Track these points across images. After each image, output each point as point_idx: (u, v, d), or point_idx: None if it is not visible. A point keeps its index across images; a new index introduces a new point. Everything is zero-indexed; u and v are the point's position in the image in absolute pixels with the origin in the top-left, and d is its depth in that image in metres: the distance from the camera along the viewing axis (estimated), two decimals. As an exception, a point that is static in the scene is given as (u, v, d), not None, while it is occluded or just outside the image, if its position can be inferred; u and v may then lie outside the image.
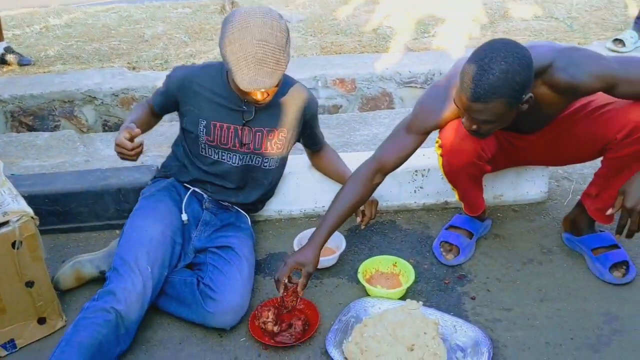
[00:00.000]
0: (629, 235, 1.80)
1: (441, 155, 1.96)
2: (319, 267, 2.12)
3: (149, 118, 2.17)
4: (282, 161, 2.20)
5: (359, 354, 1.72)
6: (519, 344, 1.81)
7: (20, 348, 1.88)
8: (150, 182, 2.24)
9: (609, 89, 1.79)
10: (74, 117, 3.71)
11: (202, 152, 2.08)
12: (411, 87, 3.72)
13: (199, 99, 2.04)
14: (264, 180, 2.18)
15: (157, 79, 3.79)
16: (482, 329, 1.82)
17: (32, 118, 3.68)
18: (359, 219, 2.15)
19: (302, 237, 2.23)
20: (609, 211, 1.80)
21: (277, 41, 1.79)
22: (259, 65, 1.78)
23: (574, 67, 1.75)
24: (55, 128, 3.70)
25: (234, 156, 2.09)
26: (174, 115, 2.16)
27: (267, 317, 1.87)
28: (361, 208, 2.15)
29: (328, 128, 3.03)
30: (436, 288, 2.05)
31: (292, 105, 2.11)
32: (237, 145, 2.07)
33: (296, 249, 2.17)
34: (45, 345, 1.89)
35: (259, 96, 1.88)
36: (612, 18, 4.66)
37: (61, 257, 2.25)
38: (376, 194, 2.12)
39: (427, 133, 1.94)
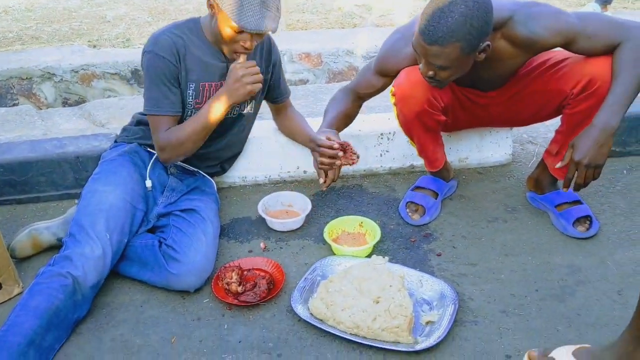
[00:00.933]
0: (576, 188, 1.82)
1: (394, 104, 1.97)
2: (283, 229, 2.10)
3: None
4: (257, 108, 2.18)
5: (324, 309, 1.69)
6: (485, 296, 1.81)
7: (-26, 316, 1.81)
8: (110, 146, 2.16)
9: (568, 45, 1.79)
10: (33, 95, 3.61)
11: (185, 116, 1.99)
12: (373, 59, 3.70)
13: (187, 62, 1.92)
14: (240, 131, 2.16)
15: (118, 55, 3.71)
16: (447, 282, 1.81)
17: (-10, 97, 3.57)
18: (321, 180, 2.13)
19: (266, 202, 2.20)
20: (559, 164, 1.81)
21: None
22: (264, 8, 1.76)
23: (533, 21, 1.75)
24: (14, 107, 3.58)
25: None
26: (138, 87, 2.07)
27: (231, 278, 1.83)
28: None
29: (295, 99, 2.95)
30: (402, 246, 2.04)
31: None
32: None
33: (260, 213, 2.14)
34: (1, 311, 1.82)
35: (249, 43, 1.83)
36: (575, -6, 4.73)
37: (18, 227, 2.17)
38: None
39: (390, 76, 1.97)
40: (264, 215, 2.12)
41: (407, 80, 1.89)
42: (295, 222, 2.12)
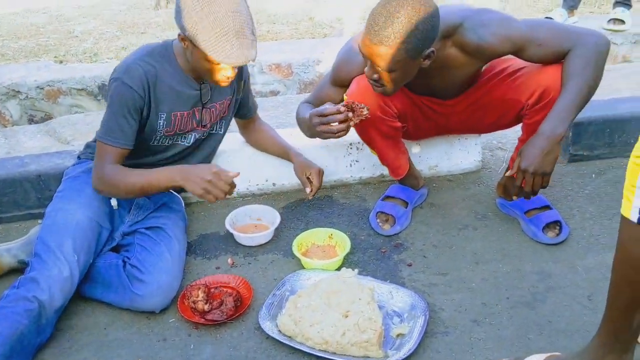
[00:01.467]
0: (526, 196, 1.82)
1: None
2: (252, 244, 2.07)
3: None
4: (227, 124, 2.15)
5: (292, 325, 1.66)
6: (456, 306, 1.79)
7: None
8: (75, 162, 2.09)
9: (518, 52, 1.80)
10: (-3, 113, 3.53)
11: (153, 143, 1.94)
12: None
13: (158, 92, 1.85)
14: (208, 147, 2.12)
15: (84, 70, 3.64)
16: (418, 293, 1.79)
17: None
18: (308, 189, 2.09)
19: (234, 216, 2.16)
20: (508, 172, 1.80)
21: (247, 10, 1.72)
22: (239, 37, 1.68)
23: (482, 28, 1.76)
24: (-22, 125, 3.50)
25: (190, 136, 2.00)
26: (105, 103, 2.01)
27: (197, 296, 1.78)
28: (309, 177, 2.10)
29: (264, 110, 2.95)
30: (373, 257, 2.02)
31: None
32: (195, 125, 1.98)
33: (228, 227, 2.10)
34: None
35: (232, 73, 1.78)
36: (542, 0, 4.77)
37: (-22, 250, 2.11)
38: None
39: (345, 86, 1.95)
40: (231, 230, 2.08)
41: (358, 88, 1.89)
42: (263, 236, 2.08)
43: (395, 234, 2.12)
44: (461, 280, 1.89)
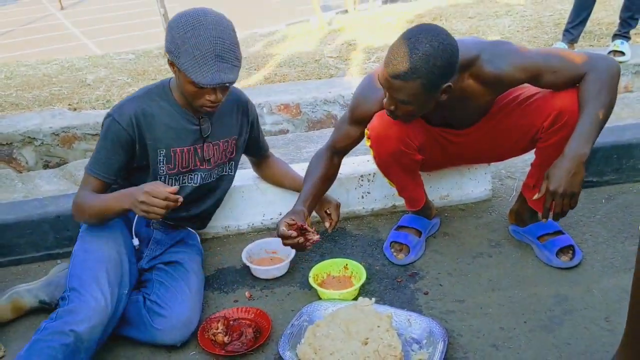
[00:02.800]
0: (555, 217, 1.84)
1: (371, 146, 1.98)
2: (268, 277, 2.09)
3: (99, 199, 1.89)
4: (237, 165, 2.17)
5: (312, 354, 1.67)
6: (474, 331, 1.79)
7: (-46, 383, 1.76)
8: None
9: (534, 80, 1.85)
10: (13, 160, 3.60)
11: (159, 179, 1.96)
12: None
13: (154, 128, 1.89)
14: (220, 190, 2.15)
15: (98, 116, 3.73)
16: (435, 320, 1.80)
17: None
18: (327, 224, 2.13)
19: (250, 250, 2.19)
20: (535, 196, 1.83)
21: (232, 38, 1.76)
22: (219, 60, 1.72)
23: (498, 59, 1.81)
24: (-6, 172, 3.57)
25: (196, 176, 2.02)
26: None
27: (217, 329, 1.80)
28: (328, 212, 2.14)
29: (275, 148, 3.02)
30: (389, 287, 2.03)
31: (237, 110, 2.07)
32: (199, 163, 2.00)
33: (244, 261, 2.13)
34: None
35: (214, 97, 1.79)
36: (543, 35, 4.87)
37: (-1, 291, 2.14)
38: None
39: (365, 123, 1.97)
40: (248, 264, 2.11)
41: (381, 122, 1.92)
42: (279, 268, 2.10)
43: (410, 263, 2.14)
44: (478, 306, 1.90)
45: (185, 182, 2.01)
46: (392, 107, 1.79)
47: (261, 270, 2.10)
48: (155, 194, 1.70)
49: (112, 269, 1.81)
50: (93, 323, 1.66)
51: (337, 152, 2.11)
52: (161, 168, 1.94)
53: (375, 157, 2.02)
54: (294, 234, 1.89)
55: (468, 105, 1.93)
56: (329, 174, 2.11)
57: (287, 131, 3.77)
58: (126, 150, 1.87)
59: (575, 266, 2.03)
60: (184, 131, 1.94)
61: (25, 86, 5.19)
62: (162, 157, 1.93)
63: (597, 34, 4.69)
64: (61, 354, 1.60)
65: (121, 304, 1.80)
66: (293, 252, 2.14)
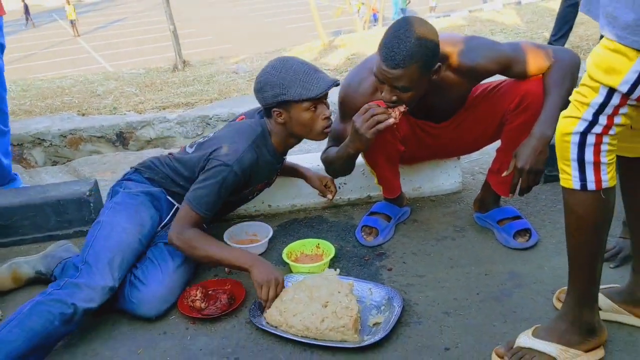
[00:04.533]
0: (521, 192, 2.01)
1: None
2: None
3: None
4: None
5: (278, 316, 1.84)
6: (429, 301, 1.95)
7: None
8: (129, 173, 2.26)
9: (505, 71, 2.04)
10: (24, 159, 3.84)
11: (228, 199, 2.13)
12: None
13: (256, 173, 2.12)
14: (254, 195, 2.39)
15: (104, 120, 3.97)
16: (394, 289, 1.96)
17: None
18: (329, 195, 2.41)
19: (232, 231, 2.37)
20: (504, 173, 2.00)
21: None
22: (318, 72, 2.04)
23: (472, 52, 2.01)
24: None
25: (256, 193, 2.34)
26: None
27: (195, 295, 1.97)
28: (327, 185, 2.42)
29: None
30: (356, 264, 2.20)
31: None
32: (264, 187, 2.32)
33: (226, 240, 2.30)
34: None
35: (327, 111, 2.07)
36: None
37: (1, 266, 2.33)
38: (304, 192, 2.50)
39: None
40: (229, 243, 2.29)
41: None
42: (257, 247, 2.28)
43: (378, 245, 2.30)
44: (436, 280, 2.06)
45: (246, 198, 2.33)
46: (394, 98, 1.94)
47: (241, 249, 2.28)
48: (279, 289, 1.91)
49: (127, 256, 1.97)
50: (94, 304, 1.83)
51: None
52: (240, 196, 2.23)
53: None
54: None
55: (447, 96, 2.12)
56: None
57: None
58: (229, 192, 2.06)
59: (531, 247, 2.19)
60: (271, 169, 2.24)
61: (39, 97, 5.49)
62: (247, 191, 2.22)
63: (584, 48, 4.87)
64: (58, 321, 1.75)
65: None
66: (271, 232, 2.33)
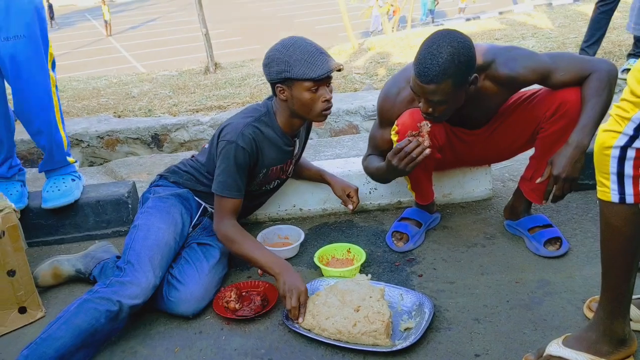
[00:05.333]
0: (554, 200, 2.02)
1: (398, 141, 2.14)
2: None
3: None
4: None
5: (310, 319, 1.88)
6: (459, 308, 1.98)
7: (1, 335, 2.03)
8: (156, 181, 2.37)
9: (544, 81, 2.06)
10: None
11: (248, 189, 2.21)
12: (375, 119, 3.99)
13: (264, 152, 2.16)
14: (279, 188, 2.45)
15: (139, 122, 4.07)
16: (425, 295, 1.99)
17: (23, 162, 3.91)
18: (350, 206, 2.43)
19: (265, 234, 2.43)
20: (539, 180, 2.01)
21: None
22: (324, 54, 2.05)
23: (512, 62, 2.03)
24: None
25: (274, 182, 2.34)
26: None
27: (230, 297, 2.03)
28: (350, 195, 2.44)
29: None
30: (387, 269, 2.23)
31: (305, 126, 2.40)
32: (280, 175, 2.33)
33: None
34: (25, 333, 2.04)
35: (328, 95, 2.09)
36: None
37: (44, 264, 2.42)
38: (334, 197, 2.51)
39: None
40: None
41: (411, 119, 2.10)
42: (289, 250, 2.33)
43: (408, 251, 2.34)
44: (466, 287, 2.08)
45: (265, 188, 2.34)
46: (430, 110, 1.99)
47: (274, 252, 2.33)
48: (302, 300, 1.93)
49: (166, 253, 2.05)
50: (139, 301, 1.90)
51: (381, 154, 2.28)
52: (256, 182, 2.25)
53: None
54: (409, 138, 2.00)
55: (483, 104, 2.14)
56: None
57: (312, 139, 4.02)
58: (247, 171, 2.14)
59: (562, 256, 2.20)
60: (282, 153, 2.24)
61: (76, 97, 5.63)
62: (262, 175, 2.24)
63: (616, 54, 4.82)
64: (104, 318, 1.83)
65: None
66: (302, 236, 2.38)
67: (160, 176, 2.37)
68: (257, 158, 2.16)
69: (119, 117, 4.47)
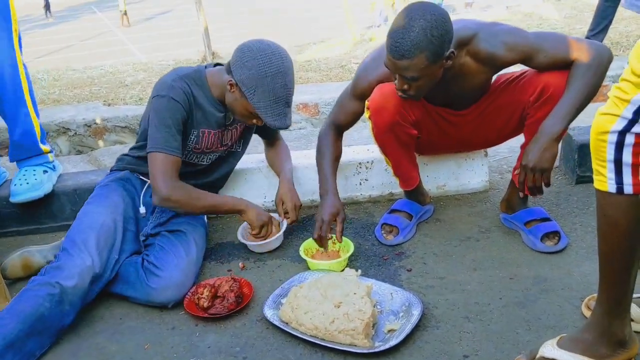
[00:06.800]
0: (532, 192, 1.90)
1: (369, 117, 2.08)
2: (261, 250, 2.21)
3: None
4: (246, 144, 2.36)
5: (289, 312, 1.76)
6: (449, 305, 1.85)
7: (-36, 328, 1.92)
8: (106, 175, 2.31)
9: (527, 60, 1.93)
10: (48, 148, 3.84)
11: (183, 159, 2.12)
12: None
13: (193, 110, 2.07)
14: (228, 164, 2.34)
15: (129, 111, 3.96)
16: (415, 294, 1.87)
17: (7, 150, 3.81)
18: (282, 220, 2.29)
19: (246, 226, 2.31)
20: (515, 171, 1.89)
21: (293, 83, 2.03)
22: (287, 106, 2.01)
23: (494, 38, 1.91)
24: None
25: (214, 155, 2.22)
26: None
27: (202, 294, 1.90)
28: (285, 207, 2.29)
29: (287, 141, 3.15)
30: (374, 263, 2.11)
31: None
32: (218, 146, 2.20)
33: (240, 238, 2.25)
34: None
35: (259, 122, 2.06)
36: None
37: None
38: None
39: (365, 98, 2.09)
40: (243, 241, 2.22)
41: (380, 93, 2.02)
42: (274, 240, 2.21)
43: (398, 244, 2.21)
44: (457, 283, 1.96)
45: (203, 160, 2.20)
46: (405, 87, 1.88)
47: (255, 246, 2.21)
48: (274, 222, 2.18)
49: (103, 235, 1.96)
50: (77, 280, 1.82)
51: (339, 129, 2.24)
52: (189, 146, 2.13)
53: (373, 129, 2.11)
54: (325, 245, 2.13)
55: (465, 83, 2.02)
56: (338, 155, 2.26)
57: (305, 129, 3.90)
58: (183, 127, 2.04)
59: (560, 251, 2.07)
60: (213, 116, 2.13)
61: (69, 86, 5.52)
62: (193, 137, 2.12)
63: (624, 45, 4.68)
64: (47, 302, 1.75)
65: (109, 267, 1.95)
66: (285, 225, 2.26)
67: (110, 170, 2.32)
68: (189, 115, 2.06)
69: (109, 105, 4.36)
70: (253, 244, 2.22)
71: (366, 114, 2.10)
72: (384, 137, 2.13)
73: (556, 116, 1.81)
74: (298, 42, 7.66)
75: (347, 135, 2.32)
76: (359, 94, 2.14)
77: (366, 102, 2.07)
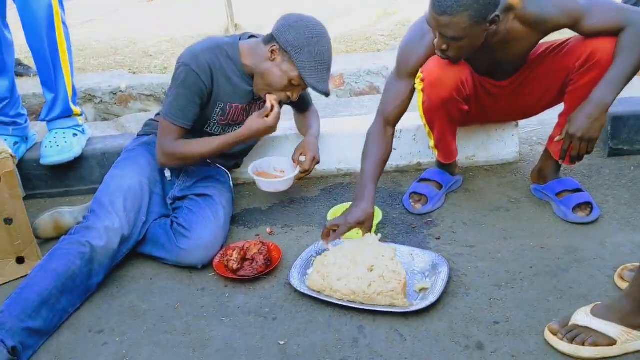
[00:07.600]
0: (572, 160, 1.87)
1: (422, 90, 1.97)
2: (271, 190, 2.27)
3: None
4: None
5: (320, 281, 1.76)
6: (479, 272, 1.84)
7: (-1, 285, 1.96)
8: (132, 139, 2.32)
9: (575, 25, 1.87)
10: (75, 115, 3.86)
11: (206, 129, 2.14)
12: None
13: (220, 82, 2.04)
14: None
15: (153, 78, 3.95)
16: (438, 254, 1.86)
17: (35, 117, 3.83)
18: (299, 168, 2.25)
19: (257, 164, 2.31)
20: (557, 138, 1.86)
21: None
22: (328, 72, 2.00)
23: (542, 0, 1.84)
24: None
25: (238, 127, 2.16)
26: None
27: (231, 256, 1.90)
28: (302, 154, 2.25)
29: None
30: (403, 231, 2.10)
31: None
32: (244, 118, 2.15)
33: (251, 173, 2.24)
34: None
35: (294, 95, 2.06)
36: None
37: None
38: (349, 156, 2.37)
39: (415, 74, 1.98)
40: (252, 176, 2.22)
41: (438, 66, 1.92)
42: (284, 181, 2.20)
43: (426, 213, 2.19)
44: (487, 251, 1.95)
45: (227, 132, 2.16)
46: (444, 47, 1.81)
47: (264, 183, 2.20)
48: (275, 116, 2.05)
49: (130, 197, 1.98)
50: (106, 240, 1.85)
51: (389, 121, 2.04)
52: (214, 118, 2.12)
53: (424, 103, 2.01)
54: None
55: (512, 49, 1.95)
56: (385, 157, 2.05)
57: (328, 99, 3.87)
58: (201, 99, 2.02)
59: (592, 222, 2.04)
60: (241, 90, 2.10)
61: (93, 55, 5.53)
62: (218, 110, 2.10)
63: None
64: (79, 260, 1.78)
65: (137, 229, 1.97)
66: (297, 170, 2.23)
67: (137, 135, 2.32)
68: (213, 88, 2.03)
69: (134, 73, 4.36)
70: (262, 180, 2.21)
71: (418, 86, 1.98)
72: (435, 114, 2.05)
73: (607, 86, 1.77)
74: (321, 15, 7.58)
75: (374, 106, 2.27)
76: (406, 71, 2.00)
77: (420, 74, 1.96)
